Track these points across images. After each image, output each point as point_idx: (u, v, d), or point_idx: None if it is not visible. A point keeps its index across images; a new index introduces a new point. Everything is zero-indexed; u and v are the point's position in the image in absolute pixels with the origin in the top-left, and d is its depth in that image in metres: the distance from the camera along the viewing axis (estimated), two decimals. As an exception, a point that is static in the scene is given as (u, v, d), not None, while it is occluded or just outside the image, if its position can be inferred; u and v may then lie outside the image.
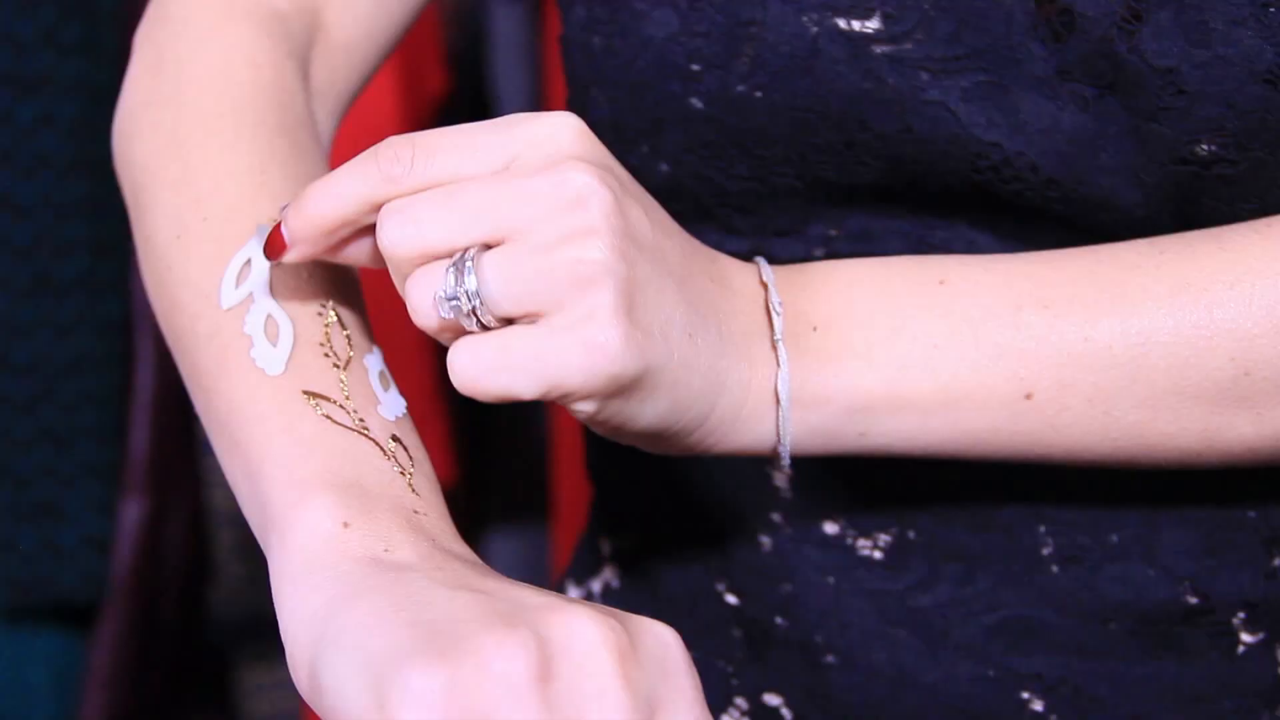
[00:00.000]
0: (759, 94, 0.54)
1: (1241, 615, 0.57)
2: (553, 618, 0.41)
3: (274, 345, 0.50)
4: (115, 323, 1.19)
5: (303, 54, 0.59)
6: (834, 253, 0.57)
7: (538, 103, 1.44)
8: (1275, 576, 0.57)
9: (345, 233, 0.48)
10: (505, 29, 1.47)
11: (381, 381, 0.51)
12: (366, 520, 0.46)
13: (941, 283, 0.52)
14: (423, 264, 0.46)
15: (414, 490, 0.48)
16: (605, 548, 0.68)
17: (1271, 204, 0.53)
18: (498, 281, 0.45)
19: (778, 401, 0.50)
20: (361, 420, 0.49)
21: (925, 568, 0.58)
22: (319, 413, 0.48)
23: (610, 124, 0.57)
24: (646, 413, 0.48)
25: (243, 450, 0.49)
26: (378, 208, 0.47)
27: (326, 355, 0.50)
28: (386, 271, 0.48)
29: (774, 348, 0.51)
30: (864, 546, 0.59)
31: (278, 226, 0.49)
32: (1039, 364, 0.51)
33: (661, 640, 0.43)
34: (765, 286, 0.52)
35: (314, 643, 0.42)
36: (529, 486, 1.52)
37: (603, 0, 0.56)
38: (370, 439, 0.49)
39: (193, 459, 1.29)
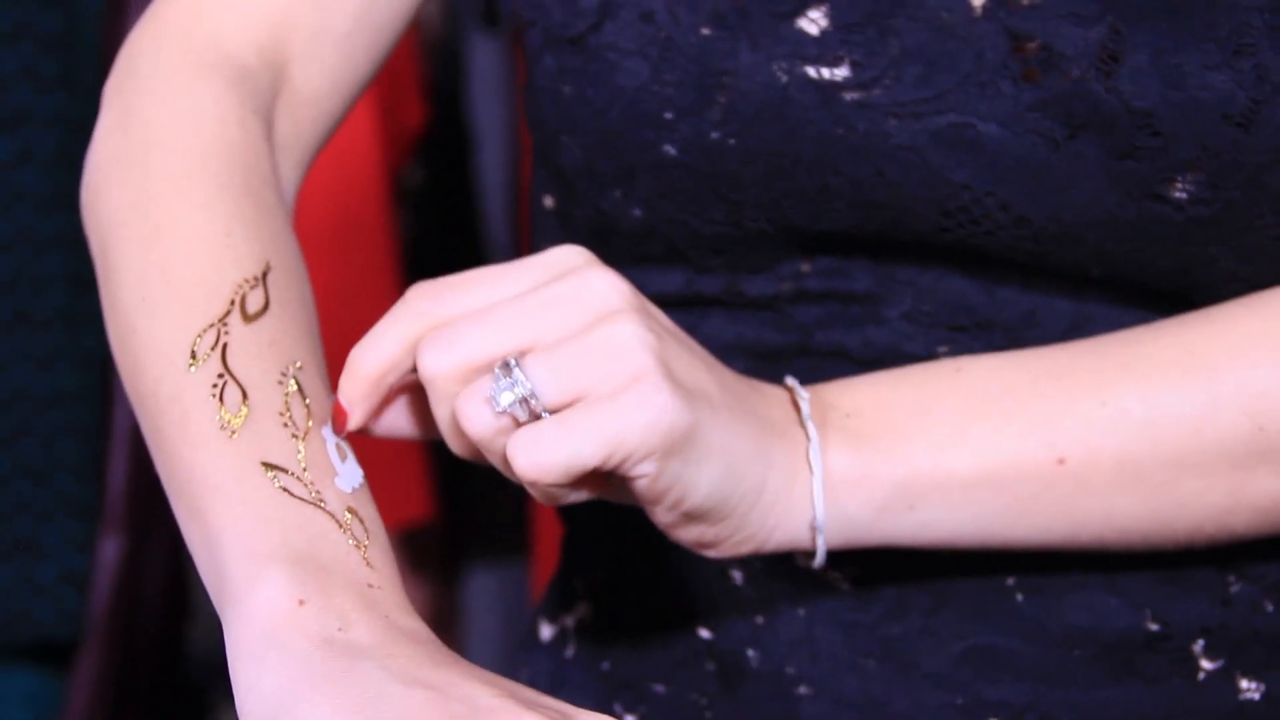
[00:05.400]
0: (733, 141, 0.54)
1: (1201, 642, 0.58)
2: None
3: (235, 413, 0.50)
4: (94, 357, 1.18)
5: (268, 109, 0.59)
6: (804, 288, 0.58)
7: (515, 137, 1.45)
8: (1231, 604, 0.58)
9: (393, 378, 0.51)
10: (483, 63, 1.47)
11: (339, 452, 0.51)
12: (321, 597, 0.46)
13: (958, 371, 0.54)
14: (464, 380, 0.49)
15: (369, 564, 0.49)
16: (578, 584, 0.68)
17: (1245, 246, 0.54)
18: (543, 372, 0.48)
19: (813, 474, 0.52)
20: (318, 493, 0.50)
21: (894, 598, 0.58)
22: (276, 485, 0.49)
23: (583, 170, 0.58)
24: (704, 477, 0.50)
25: (201, 518, 0.49)
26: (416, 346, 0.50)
27: (286, 425, 0.51)
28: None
29: (802, 425, 0.53)
30: (834, 578, 0.59)
31: (337, 403, 0.51)
32: (1064, 430, 0.52)
33: None
34: (790, 389, 0.54)
35: None
36: (509, 522, 1.51)
37: (573, 50, 0.57)
38: (326, 512, 0.49)
39: (172, 495, 1.28)
